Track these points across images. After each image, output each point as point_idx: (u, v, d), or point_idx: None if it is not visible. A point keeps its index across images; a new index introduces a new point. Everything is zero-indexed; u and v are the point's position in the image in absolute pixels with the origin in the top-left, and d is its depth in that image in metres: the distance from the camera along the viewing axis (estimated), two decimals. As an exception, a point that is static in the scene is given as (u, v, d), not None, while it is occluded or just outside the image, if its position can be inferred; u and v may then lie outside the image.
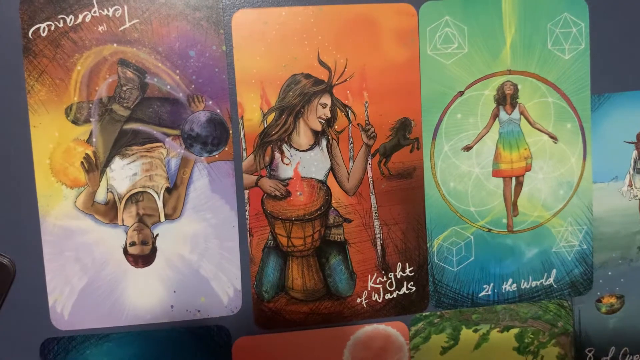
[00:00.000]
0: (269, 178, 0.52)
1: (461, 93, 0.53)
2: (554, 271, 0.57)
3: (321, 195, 0.53)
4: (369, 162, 0.53)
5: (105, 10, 0.49)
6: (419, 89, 0.53)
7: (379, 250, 0.54)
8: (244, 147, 0.51)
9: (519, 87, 0.54)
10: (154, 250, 0.51)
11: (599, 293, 0.58)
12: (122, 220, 0.51)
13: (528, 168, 0.55)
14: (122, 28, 0.49)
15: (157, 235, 0.51)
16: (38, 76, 0.49)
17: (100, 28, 0.49)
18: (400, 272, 0.54)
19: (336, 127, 0.52)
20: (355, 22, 0.51)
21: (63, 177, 0.50)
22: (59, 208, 0.50)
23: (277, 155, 0.52)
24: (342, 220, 0.53)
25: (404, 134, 0.53)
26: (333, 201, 0.53)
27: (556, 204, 0.56)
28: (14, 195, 0.49)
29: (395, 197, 0.54)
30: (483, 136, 0.54)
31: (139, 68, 0.49)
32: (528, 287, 0.56)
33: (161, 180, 0.51)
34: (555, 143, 0.55)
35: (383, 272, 0.54)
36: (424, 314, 0.56)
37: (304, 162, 0.52)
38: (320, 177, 0.53)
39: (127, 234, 0.51)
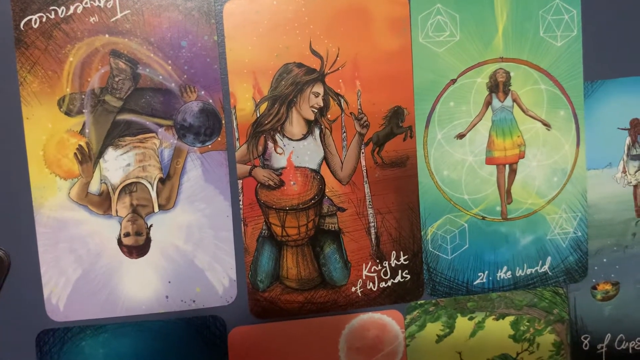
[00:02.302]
0: (262, 168, 0.52)
1: (454, 81, 0.54)
2: (549, 258, 0.57)
3: (315, 184, 0.53)
4: (362, 150, 0.53)
5: (97, 1, 0.49)
6: (411, 77, 0.53)
7: (373, 239, 0.54)
8: (236, 137, 0.51)
9: (512, 74, 0.54)
10: (148, 240, 0.51)
11: (594, 280, 0.58)
12: (116, 211, 0.51)
13: (521, 155, 0.55)
14: (113, 19, 0.49)
15: (151, 225, 0.51)
16: (30, 68, 0.49)
17: (91, 19, 0.49)
18: (395, 261, 0.54)
19: (329, 116, 0.52)
20: (346, 11, 0.51)
21: (57, 168, 0.50)
22: (53, 199, 0.50)
23: (270, 144, 0.52)
24: (336, 209, 0.53)
25: (397, 123, 0.53)
26: (327, 190, 0.53)
27: (550, 191, 0.56)
28: (7, 187, 0.50)
29: (389, 186, 0.54)
30: (476, 124, 0.54)
31: (131, 59, 0.49)
32: (523, 274, 0.57)
33: (154, 170, 0.51)
34: (549, 130, 0.55)
35: (377, 260, 0.54)
36: (419, 302, 0.56)
37: (297, 152, 0.52)
38: (314, 166, 0.53)
39: (121, 224, 0.51)
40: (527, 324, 0.57)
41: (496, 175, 0.55)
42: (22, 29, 0.48)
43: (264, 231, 0.53)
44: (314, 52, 0.51)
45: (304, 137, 0.52)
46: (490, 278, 0.56)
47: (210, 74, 0.50)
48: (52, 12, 0.48)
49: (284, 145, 0.52)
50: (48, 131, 0.49)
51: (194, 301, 0.52)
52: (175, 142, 0.51)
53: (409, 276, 0.55)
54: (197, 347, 0.53)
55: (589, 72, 0.55)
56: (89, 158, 0.50)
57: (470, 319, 0.57)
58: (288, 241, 0.53)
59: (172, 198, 0.51)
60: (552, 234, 0.56)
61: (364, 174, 0.53)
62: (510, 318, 0.57)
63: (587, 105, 0.56)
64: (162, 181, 0.51)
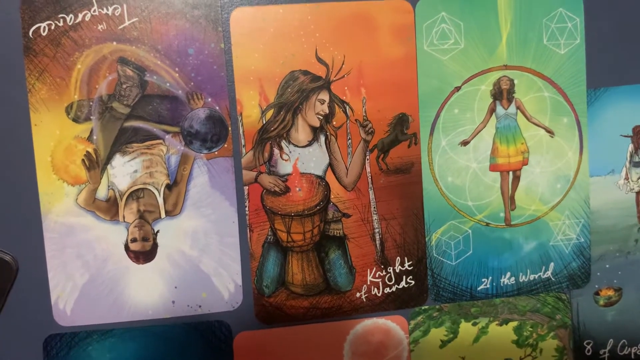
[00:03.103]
0: (268, 174, 0.53)
1: (458, 88, 0.54)
2: (552, 264, 0.57)
3: (320, 190, 0.53)
4: (367, 157, 0.53)
5: (105, 9, 0.49)
6: (416, 84, 0.53)
7: (377, 245, 0.54)
8: (243, 143, 0.52)
9: (515, 82, 0.55)
10: (154, 246, 0.52)
11: (596, 286, 0.58)
12: (123, 217, 0.51)
13: (525, 162, 0.56)
14: (121, 26, 0.50)
15: (157, 231, 0.52)
16: (39, 75, 0.49)
17: (99, 27, 0.49)
18: (399, 266, 0.55)
19: (334, 123, 0.53)
20: (352, 19, 0.51)
21: (64, 174, 0.50)
22: (60, 205, 0.50)
23: (276, 151, 0.52)
24: (341, 215, 0.54)
25: (402, 130, 0.54)
26: (332, 196, 0.53)
27: (553, 197, 0.56)
28: (16, 193, 0.50)
29: (394, 192, 0.54)
30: (480, 131, 0.55)
31: (139, 66, 0.50)
32: (526, 280, 0.57)
33: (161, 177, 0.51)
34: (552, 137, 0.56)
35: (382, 266, 0.55)
36: (423, 307, 0.56)
37: (303, 158, 0.53)
38: (319, 172, 0.53)
39: (128, 230, 0.51)
40: (530, 329, 0.58)
41: (500, 181, 0.56)
42: (31, 36, 0.49)
43: (269, 237, 0.53)
44: (319, 60, 0.52)
45: (310, 144, 0.53)
46: (494, 284, 0.57)
47: (217, 81, 0.51)
48: (61, 20, 0.49)
49: (290, 152, 0.53)
50: (56, 137, 0.50)
51: (200, 306, 0.53)
52: (182, 149, 0.51)
53: (413, 282, 0.55)
54: (203, 352, 0.53)
55: (592, 80, 0.56)
56: (96, 164, 0.50)
57: (474, 324, 0.57)
58: (293, 247, 0.54)
59: (179, 204, 0.52)
60: (555, 240, 0.57)
61: (369, 180, 0.54)
62: (514, 323, 0.58)
63: (590, 113, 0.56)
64: (169, 187, 0.51)
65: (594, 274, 0.58)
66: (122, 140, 0.51)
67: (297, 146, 0.53)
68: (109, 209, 0.51)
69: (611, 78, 0.56)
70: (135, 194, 0.51)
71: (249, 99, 0.51)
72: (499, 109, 0.55)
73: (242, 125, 0.51)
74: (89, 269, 0.51)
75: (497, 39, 0.54)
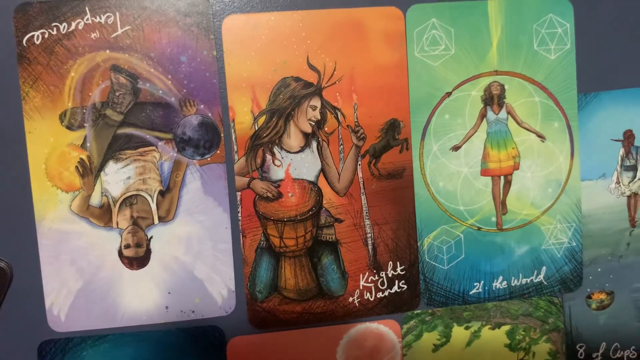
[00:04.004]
0: (260, 180, 0.53)
1: (449, 94, 0.54)
2: (544, 268, 0.57)
3: (312, 196, 0.54)
4: (359, 162, 0.54)
5: (98, 17, 0.50)
6: (407, 90, 0.54)
7: (370, 250, 0.55)
8: (235, 149, 0.52)
9: (506, 87, 0.55)
10: (148, 252, 0.52)
11: (589, 289, 0.59)
12: (117, 223, 0.52)
13: (516, 167, 0.56)
14: (114, 35, 0.50)
15: (151, 237, 0.52)
16: (33, 83, 0.50)
17: (93, 35, 0.50)
18: (392, 271, 0.55)
19: (326, 129, 0.53)
20: (343, 26, 0.52)
21: (58, 181, 0.51)
22: (54, 212, 0.51)
23: (268, 157, 0.53)
24: (333, 221, 0.54)
25: (393, 135, 0.54)
26: (324, 202, 0.54)
27: (545, 202, 0.57)
28: (10, 200, 0.50)
29: (386, 197, 0.54)
30: (471, 136, 0.55)
31: (132, 74, 0.50)
32: (518, 284, 0.57)
33: (154, 183, 0.52)
34: (543, 142, 0.56)
35: (374, 271, 0.55)
36: (415, 312, 0.56)
37: (295, 164, 0.53)
38: (311, 178, 0.54)
39: (121, 236, 0.52)
40: (523, 333, 0.58)
41: (491, 186, 0.56)
42: (25, 45, 0.49)
43: (262, 242, 0.54)
44: (311, 67, 0.52)
45: (302, 150, 0.53)
46: (486, 288, 0.57)
47: (209, 88, 0.51)
48: (54, 29, 0.49)
49: (282, 158, 0.53)
50: (50, 145, 0.50)
51: (193, 312, 0.53)
52: (175, 155, 0.52)
53: (405, 286, 0.56)
54: (197, 357, 0.53)
55: (583, 85, 0.56)
56: (90, 171, 0.51)
57: (467, 328, 0.57)
58: (286, 252, 0.54)
59: (172, 210, 0.52)
60: (547, 244, 0.57)
61: (361, 185, 0.54)
62: (506, 327, 0.58)
63: (581, 117, 0.56)
64: (162, 193, 0.52)
65: (586, 277, 0.58)
66: (116, 147, 0.51)
67: (290, 152, 0.53)
68: (103, 215, 0.51)
69: (602, 82, 0.56)
70: (128, 201, 0.52)
71: (241, 105, 0.52)
72: (490, 114, 0.55)
73: (234, 131, 0.52)
74: (83, 275, 0.52)
75: (487, 45, 0.54)
